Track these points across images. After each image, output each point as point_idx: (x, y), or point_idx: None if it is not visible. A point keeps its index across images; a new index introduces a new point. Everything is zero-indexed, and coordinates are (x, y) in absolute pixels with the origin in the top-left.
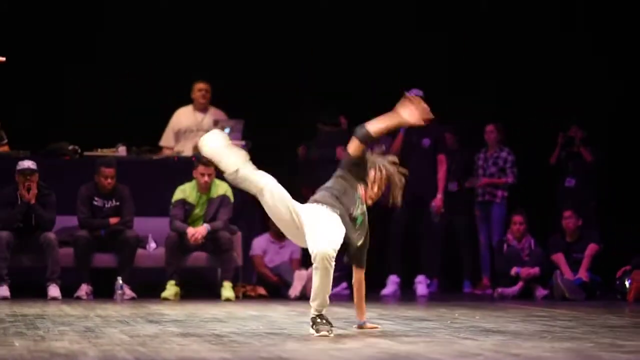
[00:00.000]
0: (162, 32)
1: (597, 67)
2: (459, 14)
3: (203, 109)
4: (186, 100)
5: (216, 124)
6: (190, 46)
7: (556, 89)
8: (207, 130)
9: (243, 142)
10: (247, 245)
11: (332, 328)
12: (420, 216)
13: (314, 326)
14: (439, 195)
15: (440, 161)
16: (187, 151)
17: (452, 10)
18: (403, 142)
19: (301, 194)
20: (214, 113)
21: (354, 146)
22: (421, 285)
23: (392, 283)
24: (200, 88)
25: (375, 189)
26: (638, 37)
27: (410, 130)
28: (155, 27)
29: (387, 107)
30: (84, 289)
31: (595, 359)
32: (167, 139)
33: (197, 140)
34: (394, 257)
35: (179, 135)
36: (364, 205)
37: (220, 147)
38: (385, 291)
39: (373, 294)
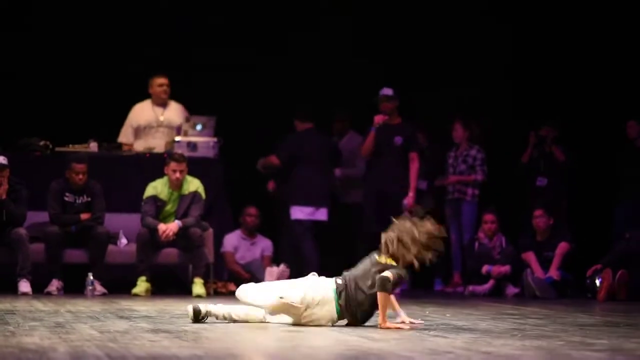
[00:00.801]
0: (135, 28)
1: (569, 66)
2: (429, 7)
3: (162, 104)
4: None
5: (188, 120)
6: (163, 41)
7: (529, 88)
8: (167, 126)
9: (215, 139)
10: (218, 241)
11: None
12: (391, 214)
13: None
14: (411, 194)
15: (412, 159)
16: (146, 147)
17: (422, 4)
18: (375, 140)
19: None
20: (174, 108)
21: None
22: None
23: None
24: (160, 83)
25: (391, 250)
26: (611, 39)
27: (382, 129)
28: (129, 20)
29: (359, 101)
30: (54, 285)
31: (565, 357)
32: (125, 136)
33: (157, 136)
34: (364, 253)
35: (138, 131)
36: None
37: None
38: None
39: None
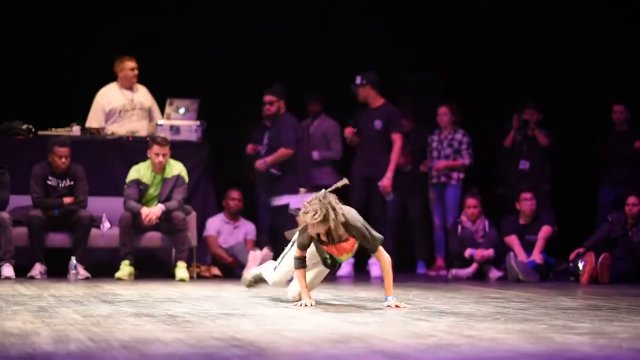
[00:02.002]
0: (116, 10)
1: (555, 50)
2: None
3: (130, 87)
4: (144, 80)
5: (171, 103)
6: (147, 23)
7: (512, 71)
8: (140, 109)
9: (198, 122)
10: (201, 225)
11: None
12: (373, 197)
13: None
14: (389, 174)
15: (394, 140)
16: (122, 131)
17: None
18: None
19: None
20: (142, 90)
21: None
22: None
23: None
24: (132, 67)
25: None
26: (594, 20)
27: (362, 113)
28: (108, 3)
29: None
30: (37, 269)
31: (548, 341)
32: (96, 120)
33: (133, 120)
34: None
35: (111, 115)
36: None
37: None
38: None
39: (330, 275)
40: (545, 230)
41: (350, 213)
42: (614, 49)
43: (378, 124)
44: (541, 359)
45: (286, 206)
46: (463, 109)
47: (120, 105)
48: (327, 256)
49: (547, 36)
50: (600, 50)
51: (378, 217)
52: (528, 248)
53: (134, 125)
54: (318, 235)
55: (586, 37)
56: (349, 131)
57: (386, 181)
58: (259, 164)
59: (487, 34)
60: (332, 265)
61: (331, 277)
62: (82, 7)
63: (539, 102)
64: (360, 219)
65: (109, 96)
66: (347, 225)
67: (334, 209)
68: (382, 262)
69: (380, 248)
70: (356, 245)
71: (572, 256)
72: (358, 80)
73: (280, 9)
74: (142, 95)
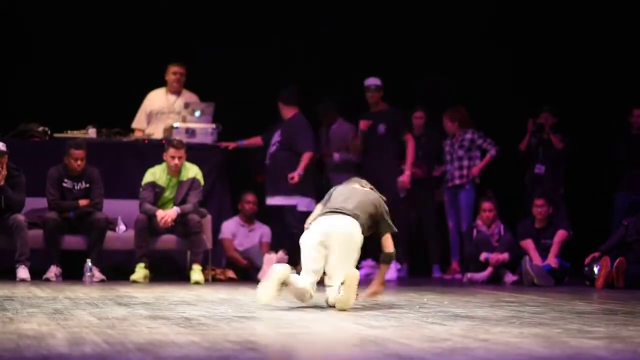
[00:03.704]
0: (135, 13)
1: (570, 54)
2: None
3: (176, 92)
4: (157, 82)
5: (187, 106)
6: (162, 27)
7: (528, 74)
8: (178, 113)
9: (213, 125)
10: (216, 228)
11: None
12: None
13: None
14: (407, 172)
15: (407, 140)
16: (158, 133)
17: None
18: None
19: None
20: (187, 96)
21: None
22: (390, 270)
23: (366, 267)
24: (175, 71)
25: None
26: (613, 28)
27: (365, 117)
28: (127, 7)
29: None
30: (53, 271)
31: (563, 345)
32: (139, 121)
33: (168, 123)
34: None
35: (150, 117)
36: None
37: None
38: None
39: None
40: (560, 235)
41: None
42: (632, 52)
43: (382, 128)
44: None
45: (295, 207)
46: (477, 112)
47: (159, 108)
48: None
49: (564, 38)
50: (619, 53)
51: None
52: (543, 252)
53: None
54: None
55: (604, 39)
56: (364, 124)
57: (405, 177)
58: (295, 179)
59: (501, 37)
60: None
61: None
62: (101, 9)
63: (555, 106)
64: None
65: (152, 99)
66: None
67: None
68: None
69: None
70: None
71: (587, 260)
72: (378, 82)
73: (295, 12)
74: (185, 101)
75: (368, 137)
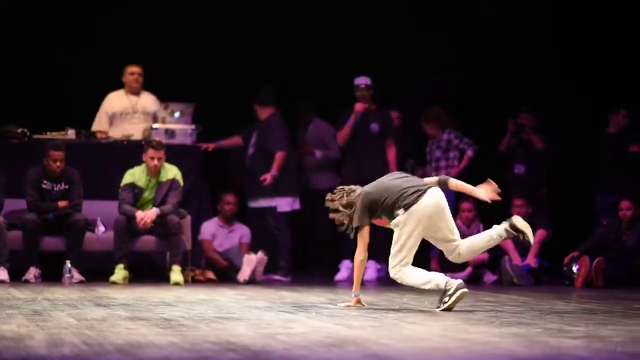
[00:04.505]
0: (116, 13)
1: (551, 54)
2: None
3: (135, 92)
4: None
5: (166, 107)
6: (140, 29)
7: (507, 75)
8: (143, 112)
9: (193, 126)
10: (196, 229)
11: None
12: None
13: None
14: None
15: (388, 145)
16: (123, 135)
17: None
18: (352, 128)
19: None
20: (147, 96)
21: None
22: (370, 270)
23: (345, 268)
24: (132, 72)
25: None
26: (592, 28)
27: (359, 116)
28: (108, 7)
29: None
30: (32, 272)
31: (542, 345)
32: (100, 124)
33: (132, 123)
34: (347, 242)
35: (114, 118)
36: None
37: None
38: (339, 276)
39: (327, 279)
40: (540, 234)
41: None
42: (614, 52)
43: (375, 127)
44: None
45: (275, 208)
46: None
47: (122, 109)
48: None
49: (545, 38)
50: (600, 53)
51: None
52: (523, 252)
53: (135, 128)
54: None
55: (585, 39)
56: (360, 106)
57: None
58: (268, 180)
59: (483, 37)
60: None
61: (328, 281)
62: (78, 11)
63: (534, 106)
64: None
65: (112, 100)
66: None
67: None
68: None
69: (360, 234)
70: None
71: (566, 260)
72: (368, 81)
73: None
74: (147, 101)
75: (360, 136)
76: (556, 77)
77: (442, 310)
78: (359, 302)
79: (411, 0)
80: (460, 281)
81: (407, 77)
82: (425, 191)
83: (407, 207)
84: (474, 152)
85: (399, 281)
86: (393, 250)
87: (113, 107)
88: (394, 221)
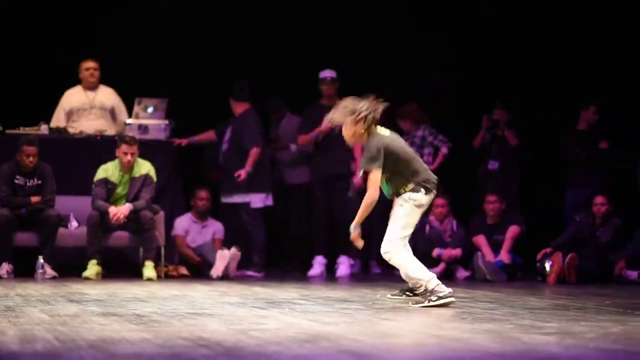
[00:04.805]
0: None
1: (523, 50)
2: None
3: (92, 88)
4: (108, 80)
5: (139, 103)
6: (112, 25)
7: (482, 71)
8: (100, 108)
9: (166, 121)
10: (169, 224)
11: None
12: (334, 197)
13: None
14: (360, 173)
15: None
16: (79, 129)
17: None
18: (314, 139)
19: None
20: (105, 91)
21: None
22: (343, 265)
23: (318, 264)
24: (88, 67)
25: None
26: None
27: (319, 110)
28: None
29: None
30: (4, 268)
31: (515, 341)
32: (58, 120)
33: (90, 119)
34: (319, 237)
35: (70, 115)
36: None
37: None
38: (312, 272)
39: (300, 274)
40: (512, 230)
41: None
42: (584, 49)
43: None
44: (508, 359)
45: (249, 204)
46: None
47: (79, 105)
48: None
49: (515, 36)
50: (571, 49)
51: (339, 216)
52: (496, 248)
53: (91, 124)
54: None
55: (556, 36)
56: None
57: (358, 179)
58: (243, 176)
59: (454, 33)
60: None
61: (301, 277)
62: (49, 7)
63: (506, 102)
64: (376, 147)
65: (70, 96)
66: (372, 140)
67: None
68: (368, 189)
69: (371, 176)
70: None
71: (539, 256)
72: (334, 74)
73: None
74: (104, 96)
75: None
76: (530, 72)
77: (422, 307)
78: (357, 237)
79: (410, 1)
80: (451, 290)
81: (408, 77)
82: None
83: (428, 191)
84: (448, 149)
85: (391, 256)
86: (400, 222)
87: (70, 103)
88: (413, 195)
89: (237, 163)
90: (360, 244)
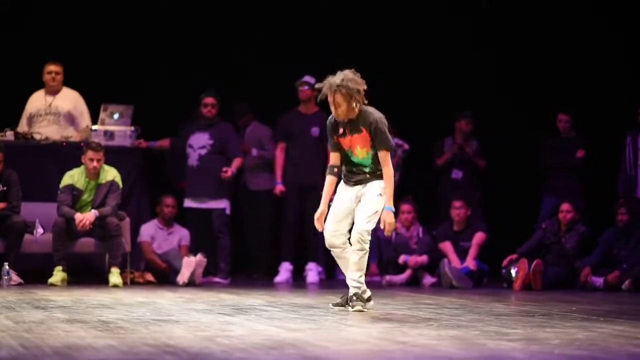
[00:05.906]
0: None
1: (495, 56)
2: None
3: (53, 92)
4: (76, 84)
5: (105, 109)
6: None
7: (446, 79)
8: (54, 113)
9: (132, 128)
10: (135, 231)
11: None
12: (307, 207)
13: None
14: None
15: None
16: (36, 136)
17: None
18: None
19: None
20: (66, 95)
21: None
22: (312, 272)
23: (284, 270)
24: (50, 70)
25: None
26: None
27: (294, 119)
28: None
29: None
30: None
31: (480, 347)
32: (22, 125)
33: (43, 125)
34: (287, 244)
35: (30, 120)
36: None
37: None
38: (278, 278)
39: (267, 281)
40: (478, 237)
41: (375, 111)
42: (557, 56)
43: (315, 131)
44: None
45: (224, 210)
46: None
47: (36, 110)
48: (346, 150)
49: (491, 41)
50: (544, 57)
51: (312, 225)
52: (462, 254)
53: (43, 131)
54: (336, 126)
55: (529, 43)
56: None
57: None
58: (229, 174)
59: (422, 40)
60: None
61: (268, 284)
62: (13, 11)
63: (471, 112)
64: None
65: (33, 101)
66: (366, 114)
67: (358, 91)
68: (384, 168)
69: (387, 155)
70: (370, 149)
71: (505, 263)
72: (312, 80)
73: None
74: (63, 100)
75: (298, 139)
76: (502, 79)
77: (354, 311)
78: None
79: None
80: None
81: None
82: None
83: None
84: (404, 152)
85: (365, 246)
86: (370, 214)
87: (31, 107)
88: (382, 190)
89: (217, 168)
90: (394, 224)
